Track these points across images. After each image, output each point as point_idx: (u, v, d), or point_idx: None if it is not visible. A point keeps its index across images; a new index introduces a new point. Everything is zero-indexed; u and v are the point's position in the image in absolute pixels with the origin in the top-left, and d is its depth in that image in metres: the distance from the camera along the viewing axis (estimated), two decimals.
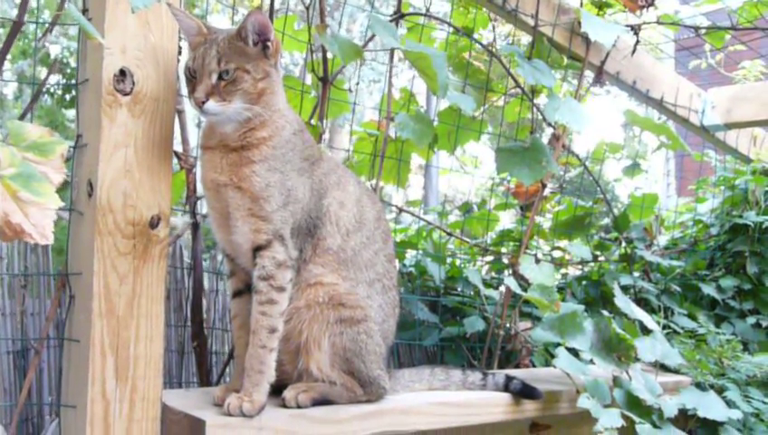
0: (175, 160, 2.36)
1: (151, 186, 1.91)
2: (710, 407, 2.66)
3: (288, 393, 1.99)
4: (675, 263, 3.94)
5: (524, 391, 2.43)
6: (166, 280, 1.97)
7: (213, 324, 2.84)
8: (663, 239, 4.43)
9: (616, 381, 2.51)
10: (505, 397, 2.42)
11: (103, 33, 1.82)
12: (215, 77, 1.88)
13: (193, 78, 1.91)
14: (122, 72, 1.86)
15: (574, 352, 2.56)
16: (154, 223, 1.91)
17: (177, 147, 2.43)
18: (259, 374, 1.90)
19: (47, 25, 1.97)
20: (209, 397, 2.01)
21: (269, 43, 1.96)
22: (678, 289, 3.90)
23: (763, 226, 3.95)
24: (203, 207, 2.32)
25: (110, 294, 1.83)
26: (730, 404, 2.83)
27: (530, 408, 2.47)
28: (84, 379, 1.80)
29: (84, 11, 1.92)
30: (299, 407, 1.97)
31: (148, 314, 1.90)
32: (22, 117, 1.88)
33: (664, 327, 3.41)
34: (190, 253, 2.55)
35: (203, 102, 1.86)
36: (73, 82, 1.99)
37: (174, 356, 2.70)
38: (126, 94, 1.87)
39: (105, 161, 1.83)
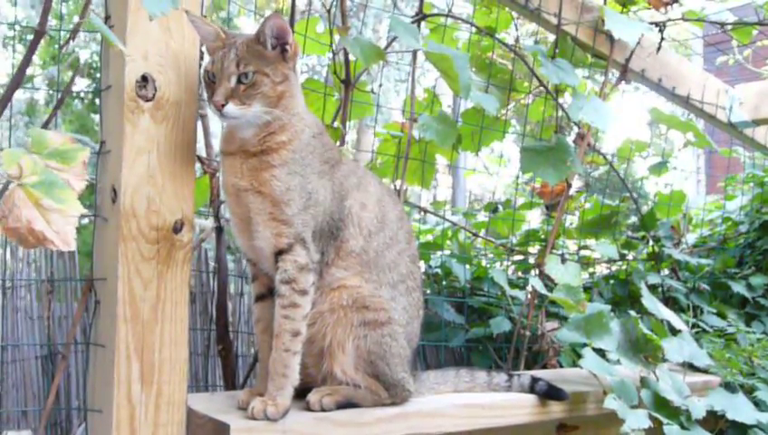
0: (198, 165, 2.38)
1: (174, 191, 1.92)
2: (739, 409, 2.62)
3: (312, 397, 1.99)
4: (703, 261, 3.90)
5: (550, 393, 2.41)
6: (191, 284, 1.98)
7: (239, 328, 2.85)
8: (692, 237, 4.39)
9: (643, 382, 2.48)
10: (531, 398, 2.40)
11: (125, 39, 1.84)
12: (234, 80, 1.88)
13: (212, 82, 1.91)
14: (144, 78, 1.87)
15: (601, 353, 2.54)
16: (177, 228, 1.92)
17: (202, 152, 2.45)
18: (283, 378, 1.91)
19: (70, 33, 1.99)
20: (234, 401, 2.02)
21: (287, 47, 1.96)
22: (708, 287, 3.86)
23: None
24: (227, 211, 2.33)
25: (134, 299, 1.84)
26: (760, 404, 2.79)
27: (556, 409, 2.45)
28: (110, 383, 1.82)
29: (107, 18, 1.94)
30: (323, 410, 1.97)
31: (173, 318, 1.91)
32: (46, 124, 1.90)
33: (693, 326, 3.38)
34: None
35: (222, 105, 1.86)
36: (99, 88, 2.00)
37: (200, 359, 2.72)
38: (148, 100, 1.88)
39: (128, 167, 1.85)
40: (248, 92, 1.89)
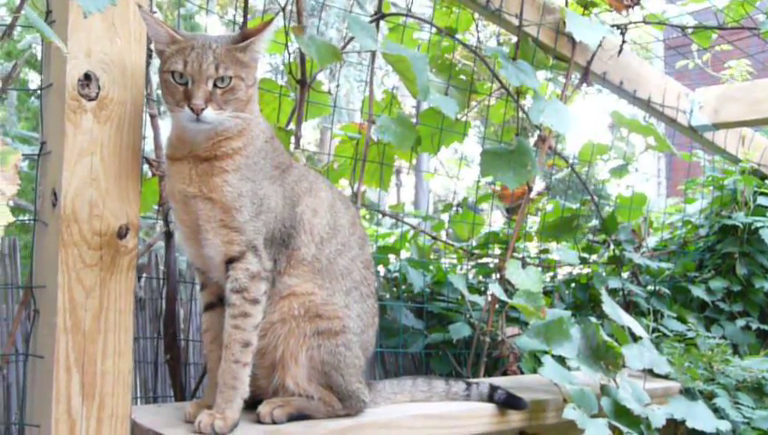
0: (146, 167, 2.29)
1: (119, 194, 1.83)
2: (698, 417, 2.61)
3: (263, 409, 1.92)
4: (664, 265, 3.89)
5: (509, 402, 2.36)
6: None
7: (192, 336, 2.76)
8: (652, 241, 4.38)
9: (603, 390, 2.45)
10: (490, 407, 2.35)
11: (66, 36, 1.75)
12: (211, 83, 1.78)
13: (180, 84, 1.80)
14: (87, 77, 1.78)
15: (561, 360, 2.50)
16: (122, 233, 1.83)
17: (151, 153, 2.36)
18: (232, 390, 1.84)
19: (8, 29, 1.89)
20: (181, 413, 1.94)
21: (260, 51, 1.89)
22: (668, 291, 3.85)
23: (752, 226, 3.90)
24: (174, 219, 2.24)
25: (75, 308, 1.75)
26: (719, 411, 2.77)
27: (515, 418, 2.40)
28: (48, 397, 1.73)
29: (48, 12, 1.84)
30: (274, 423, 1.90)
31: (117, 327, 1.82)
32: None
33: (653, 331, 3.36)
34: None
35: (202, 109, 1.76)
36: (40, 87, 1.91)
37: (150, 369, 2.62)
38: (91, 99, 1.79)
39: (69, 169, 1.76)
40: (226, 97, 1.80)
